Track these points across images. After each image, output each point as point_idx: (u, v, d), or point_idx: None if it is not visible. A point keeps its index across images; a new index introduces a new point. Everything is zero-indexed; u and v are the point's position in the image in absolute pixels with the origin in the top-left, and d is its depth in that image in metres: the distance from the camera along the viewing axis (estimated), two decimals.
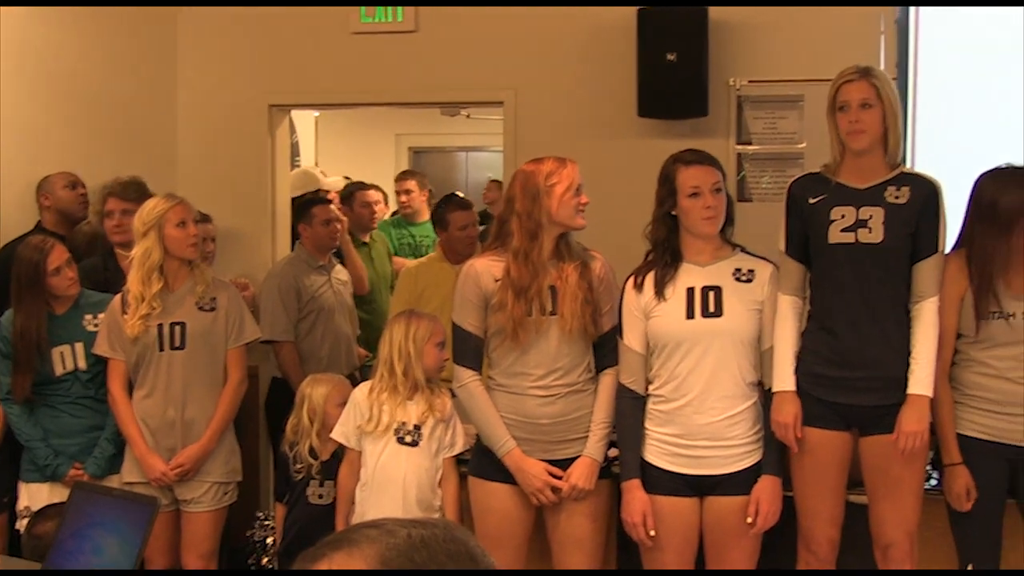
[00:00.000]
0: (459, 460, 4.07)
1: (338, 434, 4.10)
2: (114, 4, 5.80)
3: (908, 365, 3.70)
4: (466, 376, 3.83)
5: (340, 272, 5.84)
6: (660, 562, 3.75)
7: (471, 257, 4.17)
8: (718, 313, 3.68)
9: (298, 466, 4.32)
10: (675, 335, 3.69)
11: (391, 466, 3.97)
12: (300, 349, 5.51)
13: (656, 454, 3.73)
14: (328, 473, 4.24)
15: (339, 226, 5.83)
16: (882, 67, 5.00)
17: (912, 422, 3.67)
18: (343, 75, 5.99)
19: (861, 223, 3.71)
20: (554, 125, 5.66)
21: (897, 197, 3.71)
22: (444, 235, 5.58)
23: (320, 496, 4.28)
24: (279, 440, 4.53)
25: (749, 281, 3.74)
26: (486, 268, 3.81)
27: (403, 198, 7.30)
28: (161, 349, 4.35)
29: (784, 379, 3.73)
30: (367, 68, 5.94)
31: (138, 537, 2.74)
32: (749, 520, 3.67)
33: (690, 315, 3.69)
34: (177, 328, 4.35)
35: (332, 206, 5.96)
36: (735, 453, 3.70)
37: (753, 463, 3.71)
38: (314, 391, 4.36)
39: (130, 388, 4.41)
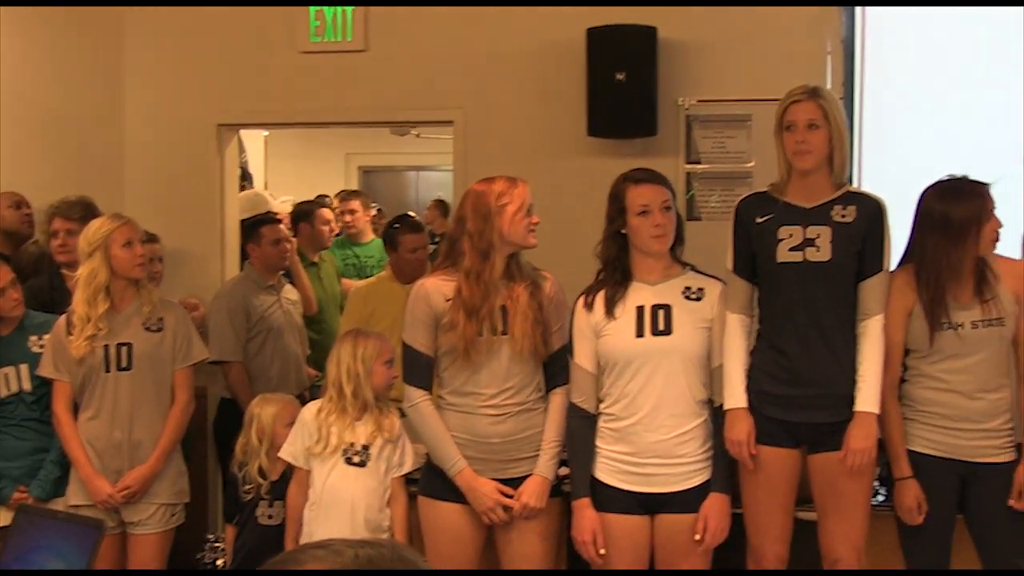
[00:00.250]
0: (408, 480, 4.05)
1: (286, 453, 4.07)
2: (59, 4, 5.73)
3: (855, 383, 3.73)
4: (416, 396, 3.81)
5: (289, 292, 5.82)
6: None
7: (421, 277, 4.16)
8: (668, 331, 3.69)
9: (247, 487, 4.28)
10: (625, 353, 3.70)
11: (339, 487, 3.94)
12: (249, 369, 5.47)
13: (607, 472, 3.73)
14: (278, 493, 4.21)
15: (288, 246, 5.82)
16: (829, 86, 5.06)
17: (859, 439, 3.70)
18: (292, 94, 5.96)
19: (809, 242, 3.74)
20: (504, 144, 5.67)
21: (844, 216, 3.75)
22: (394, 256, 5.57)
23: (270, 516, 4.25)
24: (228, 461, 4.50)
25: (699, 299, 3.75)
26: (436, 288, 3.81)
27: (347, 218, 7.20)
28: (107, 370, 4.30)
29: (736, 396, 3.75)
30: (316, 87, 5.92)
31: (83, 560, 2.71)
32: (697, 537, 3.67)
33: (640, 334, 3.69)
34: (124, 349, 4.31)
35: (281, 226, 5.93)
36: (685, 471, 3.70)
37: (703, 481, 3.71)
38: (263, 411, 4.33)
39: (76, 410, 4.36)
